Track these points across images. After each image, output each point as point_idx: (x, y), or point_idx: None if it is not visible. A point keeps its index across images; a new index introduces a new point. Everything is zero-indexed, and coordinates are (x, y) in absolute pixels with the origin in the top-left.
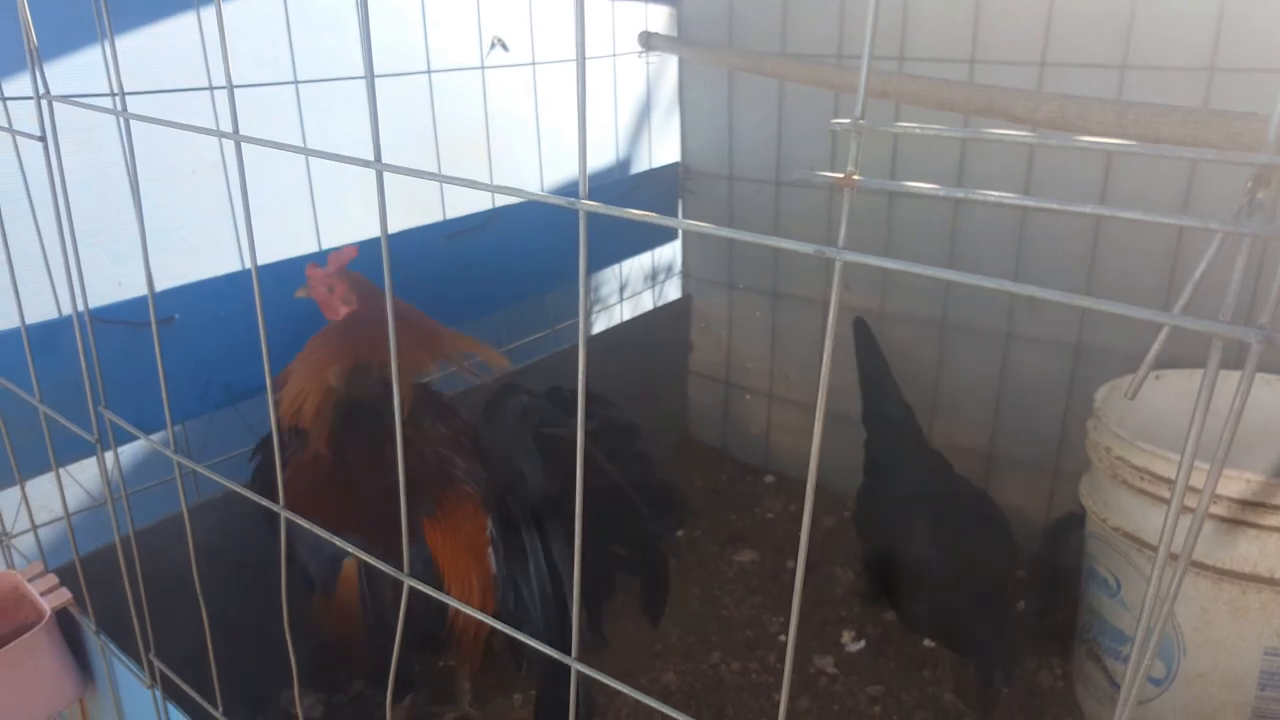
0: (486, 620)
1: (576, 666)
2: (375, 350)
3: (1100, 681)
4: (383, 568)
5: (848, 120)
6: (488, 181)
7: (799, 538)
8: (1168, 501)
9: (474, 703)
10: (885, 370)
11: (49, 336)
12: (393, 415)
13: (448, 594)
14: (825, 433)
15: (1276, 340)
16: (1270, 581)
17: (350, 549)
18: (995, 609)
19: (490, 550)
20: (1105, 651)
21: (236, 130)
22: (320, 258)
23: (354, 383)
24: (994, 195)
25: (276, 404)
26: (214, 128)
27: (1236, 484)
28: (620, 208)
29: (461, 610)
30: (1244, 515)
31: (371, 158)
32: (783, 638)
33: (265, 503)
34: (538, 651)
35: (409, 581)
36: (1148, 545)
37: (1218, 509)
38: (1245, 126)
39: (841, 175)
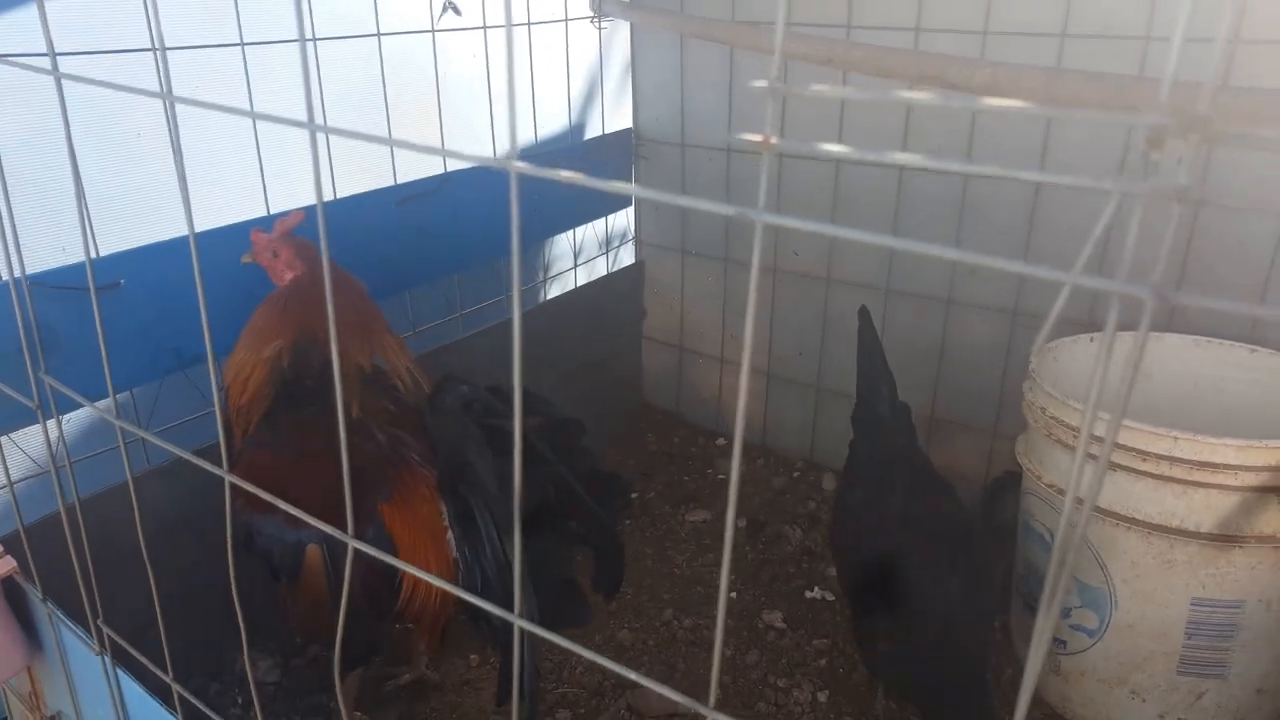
0: (444, 586)
1: (519, 624)
2: (319, 324)
3: None
4: (330, 531)
5: (764, 82)
6: (438, 146)
7: (751, 498)
8: (1095, 458)
9: (430, 664)
10: (881, 364)
11: None
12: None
13: (402, 583)
14: (774, 396)
15: (1167, 296)
16: (1196, 535)
17: (296, 512)
18: (973, 678)
19: (449, 535)
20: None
21: (169, 90)
22: (268, 223)
23: (297, 360)
24: (901, 157)
25: (220, 372)
26: (154, 89)
27: (1165, 441)
28: (550, 169)
29: (419, 582)
30: (1172, 472)
31: (317, 121)
32: (733, 594)
33: (209, 467)
34: (502, 626)
35: (353, 544)
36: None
37: (1149, 466)
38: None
39: (761, 137)
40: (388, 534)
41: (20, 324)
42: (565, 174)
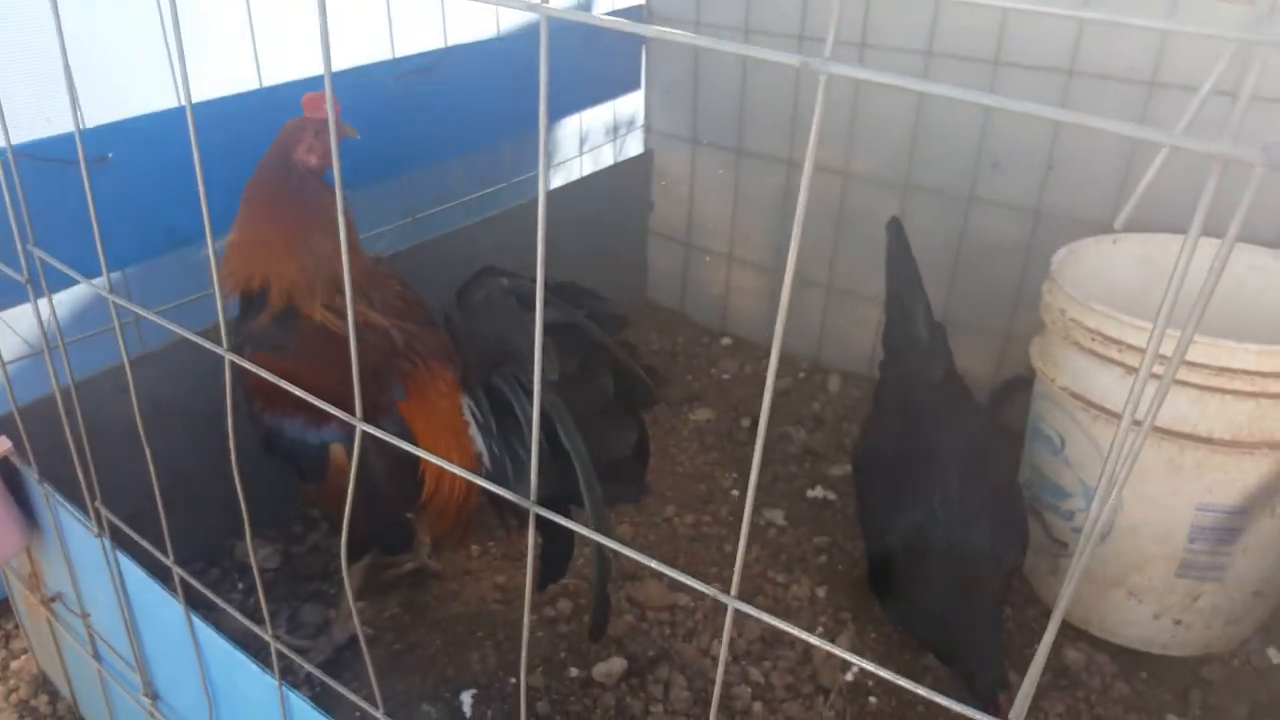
0: (469, 477)
1: (535, 510)
2: (318, 220)
3: (1039, 535)
4: (336, 413)
5: None
6: (439, 18)
7: (755, 398)
8: (1118, 363)
9: (432, 554)
10: (916, 282)
11: None
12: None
13: (425, 476)
14: (781, 294)
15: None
16: (1206, 440)
17: (317, 401)
18: (990, 623)
19: (471, 428)
20: (1045, 507)
21: None
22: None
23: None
24: (1025, 106)
25: (221, 260)
26: None
27: (1203, 349)
28: (585, 14)
29: (443, 475)
30: (1188, 377)
31: None
32: (735, 492)
33: (209, 345)
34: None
35: (361, 426)
36: (1094, 405)
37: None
38: None
39: None
40: (407, 429)
41: (7, 196)
42: (603, 18)
